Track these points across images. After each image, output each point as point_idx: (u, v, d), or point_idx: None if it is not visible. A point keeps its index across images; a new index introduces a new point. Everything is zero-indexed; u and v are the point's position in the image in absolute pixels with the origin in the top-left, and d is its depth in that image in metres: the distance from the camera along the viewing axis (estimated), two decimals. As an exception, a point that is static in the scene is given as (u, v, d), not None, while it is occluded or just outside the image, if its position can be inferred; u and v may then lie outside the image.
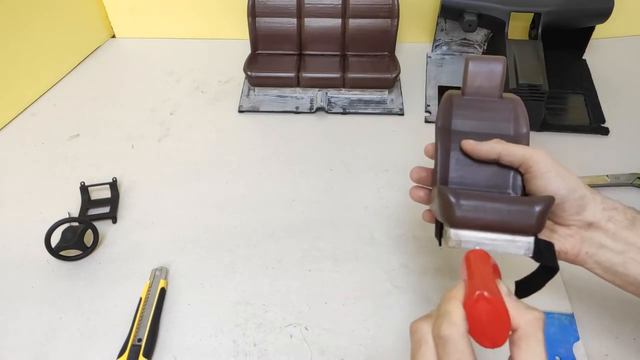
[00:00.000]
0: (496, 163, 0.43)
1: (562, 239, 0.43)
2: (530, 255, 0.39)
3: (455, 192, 0.39)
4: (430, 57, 0.91)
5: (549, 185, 0.41)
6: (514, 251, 0.39)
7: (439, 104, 0.81)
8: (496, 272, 0.36)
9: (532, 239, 0.39)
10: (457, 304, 0.33)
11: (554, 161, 0.42)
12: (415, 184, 0.51)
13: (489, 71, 0.46)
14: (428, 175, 0.50)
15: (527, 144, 0.44)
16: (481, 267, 0.36)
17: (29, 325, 0.56)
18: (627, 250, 0.41)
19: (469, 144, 0.43)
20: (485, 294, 0.33)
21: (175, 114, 0.82)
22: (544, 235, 0.43)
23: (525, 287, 0.41)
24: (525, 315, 0.33)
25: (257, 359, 0.52)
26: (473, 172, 0.44)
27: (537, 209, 0.38)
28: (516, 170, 0.43)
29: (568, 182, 0.41)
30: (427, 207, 0.51)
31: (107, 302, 0.57)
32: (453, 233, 0.39)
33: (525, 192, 0.43)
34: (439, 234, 0.44)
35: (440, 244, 0.44)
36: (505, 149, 0.42)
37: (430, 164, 0.49)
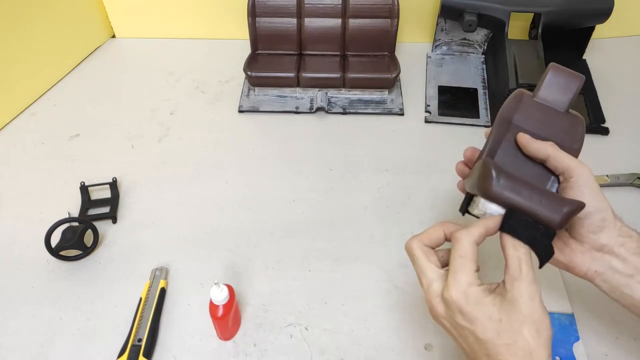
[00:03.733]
0: (541, 164, 0.44)
1: (572, 253, 0.45)
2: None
3: (498, 168, 0.41)
4: (430, 57, 0.91)
5: (580, 199, 0.42)
6: None
7: (439, 104, 0.81)
8: None
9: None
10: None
11: (594, 180, 0.43)
12: (463, 161, 0.52)
13: (565, 85, 0.47)
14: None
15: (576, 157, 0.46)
16: None
17: (29, 325, 0.56)
18: (635, 275, 0.43)
19: (525, 138, 0.44)
20: None
21: (175, 114, 0.82)
22: (556, 244, 0.45)
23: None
24: None
25: (257, 359, 0.52)
26: (517, 165, 0.45)
27: (566, 209, 0.39)
28: (556, 176, 0.44)
29: (598, 202, 0.43)
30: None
31: (107, 302, 0.57)
32: (482, 203, 0.42)
33: None
34: (466, 204, 0.46)
35: (463, 214, 0.47)
36: (555, 152, 0.43)
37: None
